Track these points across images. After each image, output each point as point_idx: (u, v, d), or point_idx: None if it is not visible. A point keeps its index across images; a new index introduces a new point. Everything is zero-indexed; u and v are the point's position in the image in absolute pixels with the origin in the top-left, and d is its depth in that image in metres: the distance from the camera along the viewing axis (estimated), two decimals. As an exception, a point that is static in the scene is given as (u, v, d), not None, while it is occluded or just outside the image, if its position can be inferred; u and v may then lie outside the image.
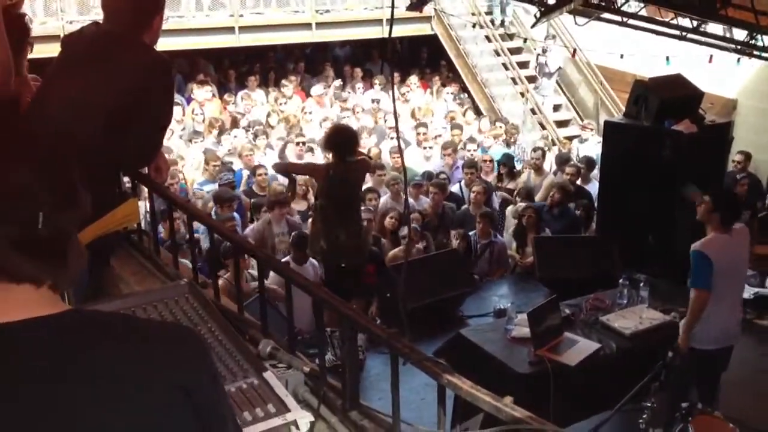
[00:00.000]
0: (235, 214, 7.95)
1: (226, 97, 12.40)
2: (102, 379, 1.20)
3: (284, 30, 13.38)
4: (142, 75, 3.40)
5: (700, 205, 5.06)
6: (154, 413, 1.23)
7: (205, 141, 10.40)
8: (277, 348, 2.58)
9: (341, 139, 6.03)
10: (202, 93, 12.05)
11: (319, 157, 10.22)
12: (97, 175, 3.55)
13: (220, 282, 5.01)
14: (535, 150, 10.57)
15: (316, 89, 12.89)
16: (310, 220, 7.18)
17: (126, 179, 4.27)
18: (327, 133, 6.65)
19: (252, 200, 8.54)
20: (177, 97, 11.82)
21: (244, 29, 12.79)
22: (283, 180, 8.88)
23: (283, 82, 12.90)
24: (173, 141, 10.46)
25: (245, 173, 9.43)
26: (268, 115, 11.57)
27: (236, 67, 14.20)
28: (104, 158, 3.38)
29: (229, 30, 12.73)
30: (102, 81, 3.36)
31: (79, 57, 3.50)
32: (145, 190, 4.27)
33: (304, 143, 9.89)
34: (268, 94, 12.72)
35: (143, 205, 5.19)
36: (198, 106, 11.80)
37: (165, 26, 3.76)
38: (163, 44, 10.31)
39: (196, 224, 3.87)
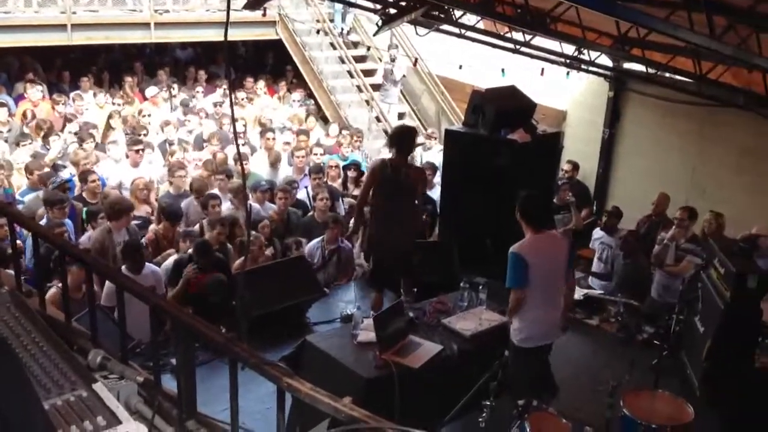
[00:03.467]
0: (68, 221, 7.49)
1: (55, 97, 11.65)
2: None
3: (121, 29, 12.88)
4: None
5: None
6: None
7: (33, 144, 9.73)
8: (108, 358, 2.45)
9: (402, 136, 6.66)
10: (33, 93, 11.29)
11: (158, 160, 9.86)
12: None
13: (52, 292, 4.71)
14: None
15: (150, 90, 12.45)
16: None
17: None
18: (392, 132, 7.42)
19: (86, 208, 8.03)
20: (2, 97, 11.05)
21: (77, 27, 12.18)
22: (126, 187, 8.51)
23: (120, 83, 12.36)
24: (-4, 143, 9.74)
25: (78, 180, 8.81)
26: (110, 116, 10.99)
27: (69, 67, 13.44)
28: None
29: (61, 27, 12.08)
30: None
31: None
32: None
33: (142, 149, 9.42)
34: (102, 96, 12.03)
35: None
36: (31, 106, 11.06)
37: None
38: (-12, 41, 9.67)
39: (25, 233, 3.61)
